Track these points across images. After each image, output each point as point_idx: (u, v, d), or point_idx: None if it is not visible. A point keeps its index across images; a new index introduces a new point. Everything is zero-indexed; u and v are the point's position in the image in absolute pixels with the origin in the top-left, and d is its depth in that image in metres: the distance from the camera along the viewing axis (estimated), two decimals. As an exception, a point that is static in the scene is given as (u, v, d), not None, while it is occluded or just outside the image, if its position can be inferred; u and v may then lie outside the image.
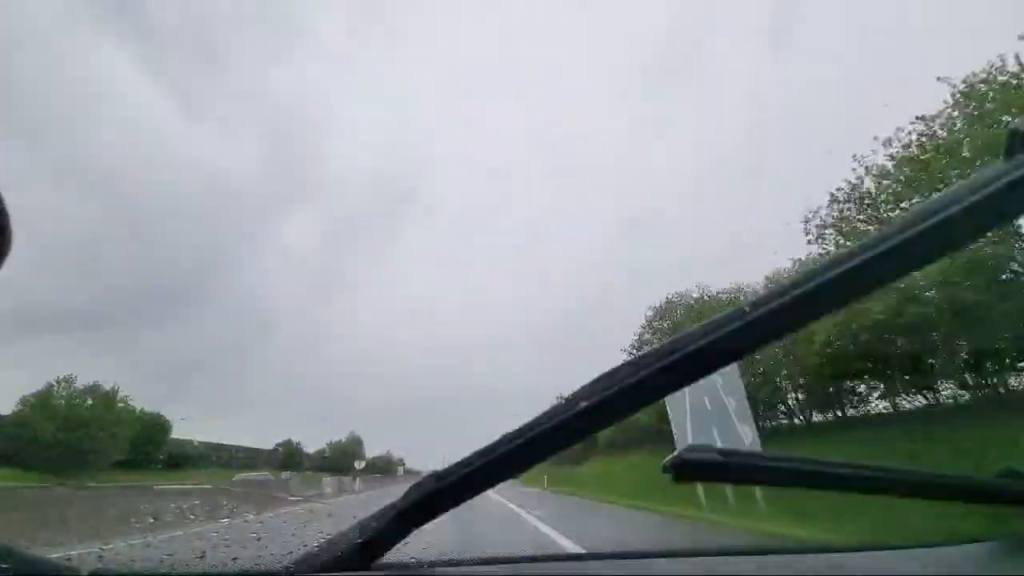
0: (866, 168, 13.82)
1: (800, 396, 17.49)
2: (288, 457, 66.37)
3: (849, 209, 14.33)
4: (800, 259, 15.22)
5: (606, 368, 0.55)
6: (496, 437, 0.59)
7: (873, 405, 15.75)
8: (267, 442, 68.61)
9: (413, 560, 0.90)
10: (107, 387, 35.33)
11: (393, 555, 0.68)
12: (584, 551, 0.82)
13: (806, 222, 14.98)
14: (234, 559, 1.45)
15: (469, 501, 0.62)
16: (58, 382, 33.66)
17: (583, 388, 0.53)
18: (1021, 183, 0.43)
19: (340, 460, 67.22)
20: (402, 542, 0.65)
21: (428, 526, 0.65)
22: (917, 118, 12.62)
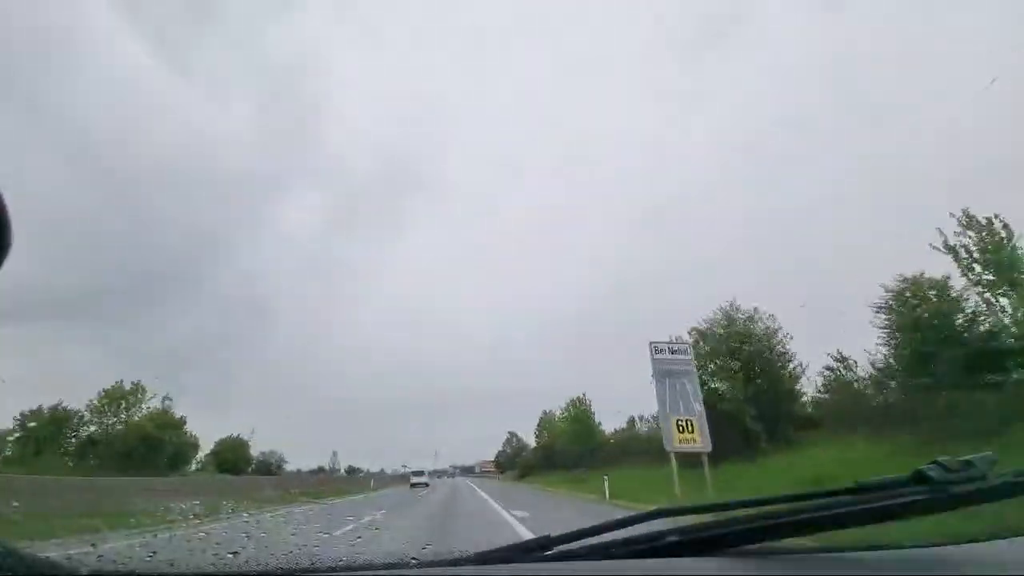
0: None
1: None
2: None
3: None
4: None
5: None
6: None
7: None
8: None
9: (411, 559, 0.90)
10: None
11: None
12: (581, 551, 0.81)
13: None
14: (238, 556, 1.40)
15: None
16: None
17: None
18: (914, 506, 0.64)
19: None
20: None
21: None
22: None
